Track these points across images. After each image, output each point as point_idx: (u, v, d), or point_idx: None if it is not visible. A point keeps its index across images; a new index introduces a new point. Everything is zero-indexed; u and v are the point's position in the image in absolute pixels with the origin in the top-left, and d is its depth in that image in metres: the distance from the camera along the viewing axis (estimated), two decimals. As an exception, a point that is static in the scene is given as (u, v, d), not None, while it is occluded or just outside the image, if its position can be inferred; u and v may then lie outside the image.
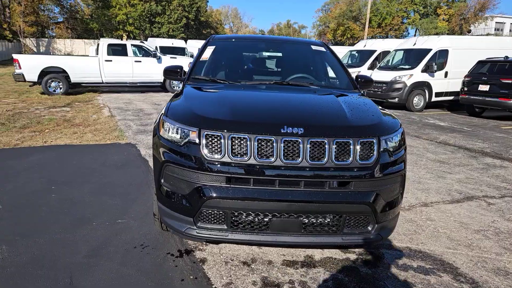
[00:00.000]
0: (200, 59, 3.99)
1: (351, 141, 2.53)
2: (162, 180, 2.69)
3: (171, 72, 3.88)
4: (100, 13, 41.20)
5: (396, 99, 12.93)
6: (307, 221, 2.56)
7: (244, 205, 2.49)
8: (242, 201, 2.48)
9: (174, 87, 15.41)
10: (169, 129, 2.69)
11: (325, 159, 2.48)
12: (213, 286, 2.60)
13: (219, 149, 2.48)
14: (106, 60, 14.15)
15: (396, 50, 14.46)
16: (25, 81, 13.39)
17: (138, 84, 14.96)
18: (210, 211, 2.55)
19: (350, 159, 2.52)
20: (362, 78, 3.99)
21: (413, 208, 4.27)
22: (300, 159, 2.47)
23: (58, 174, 4.87)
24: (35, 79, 13.36)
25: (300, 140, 2.47)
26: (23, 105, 11.19)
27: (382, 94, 13.23)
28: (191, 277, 2.70)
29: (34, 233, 3.28)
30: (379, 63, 14.88)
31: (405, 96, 12.82)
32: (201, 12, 47.13)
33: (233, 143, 2.48)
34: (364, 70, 15.24)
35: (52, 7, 43.86)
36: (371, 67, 15.13)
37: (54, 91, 13.52)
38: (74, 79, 13.76)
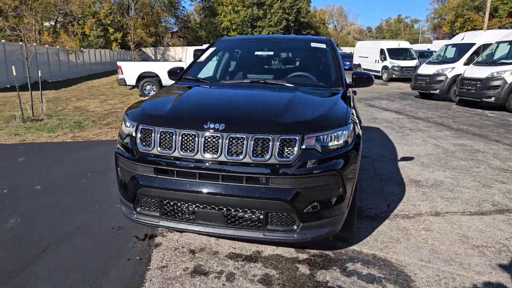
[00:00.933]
0: (198, 60, 4.30)
1: (271, 138, 2.55)
2: (118, 170, 3.07)
3: (173, 73, 4.26)
4: (207, 21, 44.77)
5: (493, 99, 11.40)
6: (228, 214, 2.66)
7: (170, 195, 2.72)
8: (167, 191, 2.70)
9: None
10: (123, 125, 3.06)
11: (243, 155, 2.56)
12: (148, 267, 2.88)
13: (150, 142, 2.76)
14: (193, 64, 15.47)
15: (498, 43, 12.70)
16: (126, 85, 15.48)
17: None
18: (145, 198, 2.84)
19: (268, 155, 2.55)
20: (356, 75, 3.86)
21: (418, 216, 3.92)
22: (218, 154, 2.59)
23: (100, 164, 5.69)
24: (134, 83, 15.33)
25: (220, 135, 2.59)
26: (120, 106, 12.96)
27: (475, 93, 11.80)
28: (137, 257, 3.02)
29: (48, 210, 3.98)
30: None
31: (504, 95, 11.21)
32: (301, 13, 47.52)
33: (162, 137, 2.72)
34: (459, 66, 13.73)
35: (168, 19, 49.14)
36: (468, 62, 13.54)
37: (149, 93, 15.28)
38: (165, 82, 15.35)
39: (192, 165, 2.63)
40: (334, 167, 2.64)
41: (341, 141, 2.71)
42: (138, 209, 2.91)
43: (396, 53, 23.83)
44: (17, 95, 10.04)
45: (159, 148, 2.71)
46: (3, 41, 20.13)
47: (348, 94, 3.59)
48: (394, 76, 22.98)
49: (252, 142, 2.55)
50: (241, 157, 2.56)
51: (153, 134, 2.74)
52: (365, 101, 13.91)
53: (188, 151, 2.65)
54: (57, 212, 3.92)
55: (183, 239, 3.33)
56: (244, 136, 2.57)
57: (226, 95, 3.42)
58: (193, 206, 2.70)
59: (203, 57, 4.32)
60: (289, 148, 2.56)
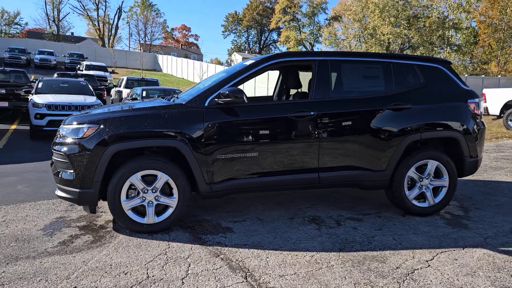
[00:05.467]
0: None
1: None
2: None
3: None
4: None
5: None
6: None
7: None
8: None
9: None
10: None
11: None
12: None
13: None
14: None
15: None
16: (488, 114, 13.83)
17: None
18: None
19: None
20: (228, 91, 3.71)
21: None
22: None
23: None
24: (498, 112, 13.43)
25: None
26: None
27: None
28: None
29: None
30: None
31: None
32: None
33: None
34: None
35: None
36: None
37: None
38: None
39: None
40: (62, 150, 3.58)
41: (80, 134, 3.51)
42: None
43: None
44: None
45: None
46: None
47: (186, 108, 3.68)
48: None
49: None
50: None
51: None
52: None
53: None
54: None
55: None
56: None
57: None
58: None
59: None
60: None
